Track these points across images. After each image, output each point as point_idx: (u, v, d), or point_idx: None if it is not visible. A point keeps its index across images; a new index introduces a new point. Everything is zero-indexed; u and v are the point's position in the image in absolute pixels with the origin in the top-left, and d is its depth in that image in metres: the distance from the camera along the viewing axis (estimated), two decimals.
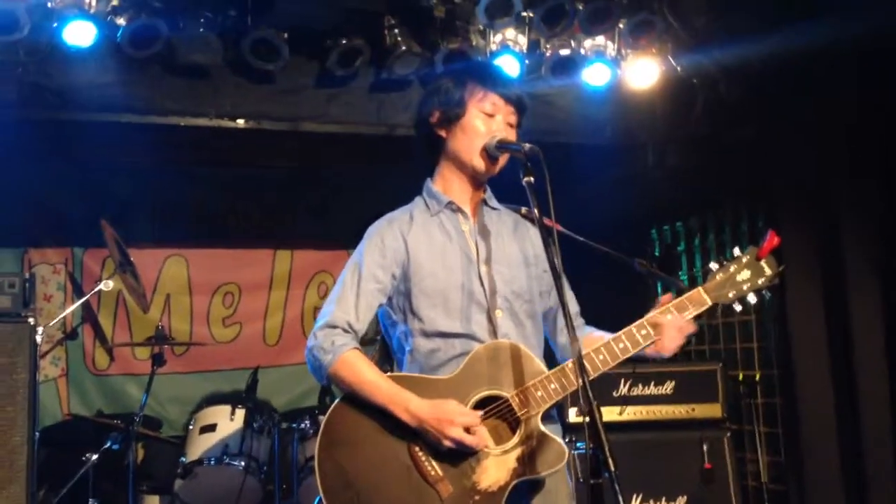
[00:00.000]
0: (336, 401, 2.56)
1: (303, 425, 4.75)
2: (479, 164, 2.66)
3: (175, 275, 6.51)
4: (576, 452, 4.44)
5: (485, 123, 2.66)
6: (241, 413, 4.72)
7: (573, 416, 4.62)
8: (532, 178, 2.41)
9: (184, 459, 4.62)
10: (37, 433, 4.00)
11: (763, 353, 5.43)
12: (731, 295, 2.61)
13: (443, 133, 2.71)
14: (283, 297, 6.80)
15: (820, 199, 4.94)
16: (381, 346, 4.21)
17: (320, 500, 2.46)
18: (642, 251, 6.41)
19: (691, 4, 4.89)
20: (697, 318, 2.60)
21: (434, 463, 2.45)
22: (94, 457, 4.57)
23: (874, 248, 4.75)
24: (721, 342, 5.75)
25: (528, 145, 2.46)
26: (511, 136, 2.67)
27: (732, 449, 4.75)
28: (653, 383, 4.83)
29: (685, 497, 4.63)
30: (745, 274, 2.61)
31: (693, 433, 4.73)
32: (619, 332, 2.57)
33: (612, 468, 2.04)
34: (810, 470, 4.81)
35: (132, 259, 5.03)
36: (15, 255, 6.09)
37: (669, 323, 2.55)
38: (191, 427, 4.82)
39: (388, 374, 2.54)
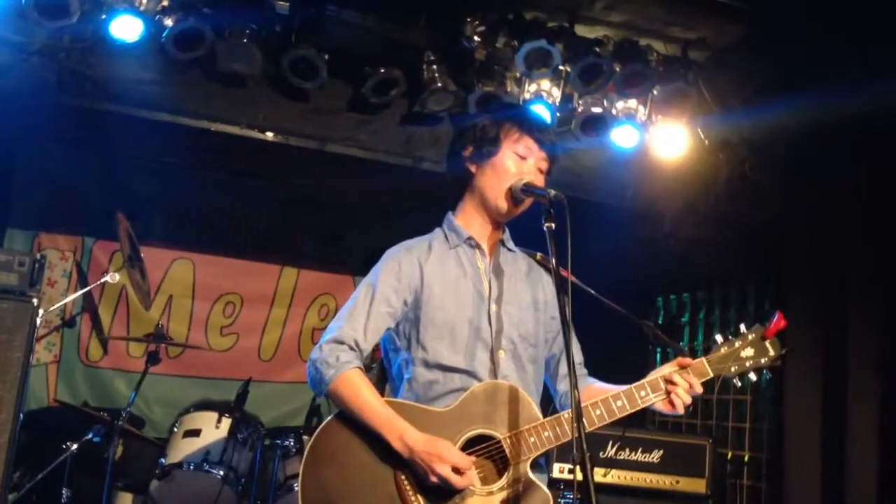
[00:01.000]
0: (328, 418, 2.55)
1: (287, 443, 4.72)
2: (503, 204, 2.68)
3: (180, 277, 6.53)
4: (563, 501, 4.41)
5: (516, 165, 2.69)
6: (227, 422, 4.69)
7: (557, 471, 4.59)
8: (553, 225, 2.43)
9: (163, 461, 4.58)
10: (21, 414, 3.98)
11: (754, 435, 5.40)
12: (733, 370, 2.64)
13: (473, 168, 2.75)
14: (283, 315, 6.80)
15: (831, 291, 4.95)
16: (380, 371, 4.21)
17: None
18: (646, 317, 6.40)
19: (727, 82, 4.95)
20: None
21: (419, 495, 2.44)
22: (75, 446, 4.54)
23: (879, 346, 4.74)
24: (713, 419, 5.72)
25: (553, 192, 2.49)
26: (539, 181, 2.69)
27: None
28: (640, 450, 4.78)
29: None
30: (749, 351, 2.65)
31: None
32: (619, 391, 2.58)
33: None
34: None
35: (142, 255, 5.05)
36: (26, 237, 6.11)
37: (682, 382, 2.56)
38: (175, 429, 4.79)
39: (385, 399, 2.54)
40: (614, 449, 4.77)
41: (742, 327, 2.69)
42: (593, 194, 5.22)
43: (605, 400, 2.55)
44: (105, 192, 6.11)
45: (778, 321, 2.64)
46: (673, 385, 2.56)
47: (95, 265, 6.28)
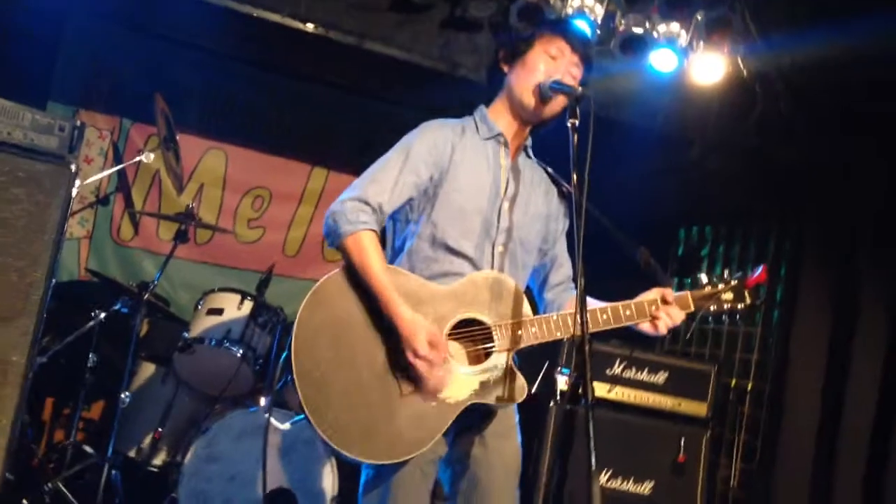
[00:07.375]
0: (335, 270, 2.63)
1: None
2: (529, 100, 2.74)
3: (213, 167, 6.65)
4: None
5: (546, 63, 2.74)
6: (249, 304, 4.84)
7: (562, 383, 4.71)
8: (577, 122, 2.49)
9: (186, 335, 4.75)
10: (54, 280, 4.11)
11: (759, 366, 5.49)
12: (712, 308, 2.86)
13: (506, 68, 2.82)
14: (310, 213, 6.93)
15: (847, 237, 4.99)
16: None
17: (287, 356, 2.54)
18: (666, 248, 6.45)
19: (772, 14, 4.89)
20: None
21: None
22: (103, 315, 4.69)
23: (890, 291, 4.79)
24: (722, 349, 5.80)
25: (581, 89, 2.55)
26: (570, 82, 2.74)
27: (709, 449, 4.79)
28: (646, 370, 4.88)
29: (653, 482, 4.70)
30: (729, 295, 2.87)
31: (674, 426, 4.77)
32: (605, 305, 2.72)
33: (590, 399, 2.16)
34: (779, 485, 4.91)
35: (177, 138, 5.14)
36: (66, 113, 6.20)
37: (671, 308, 2.74)
38: (199, 307, 4.94)
39: (390, 265, 2.64)
40: (621, 367, 4.86)
41: (726, 273, 2.88)
42: (624, 115, 5.19)
43: (591, 311, 2.66)
44: (144, 76, 6.17)
45: (760, 275, 2.84)
46: (657, 312, 2.73)
47: (132, 146, 6.39)
